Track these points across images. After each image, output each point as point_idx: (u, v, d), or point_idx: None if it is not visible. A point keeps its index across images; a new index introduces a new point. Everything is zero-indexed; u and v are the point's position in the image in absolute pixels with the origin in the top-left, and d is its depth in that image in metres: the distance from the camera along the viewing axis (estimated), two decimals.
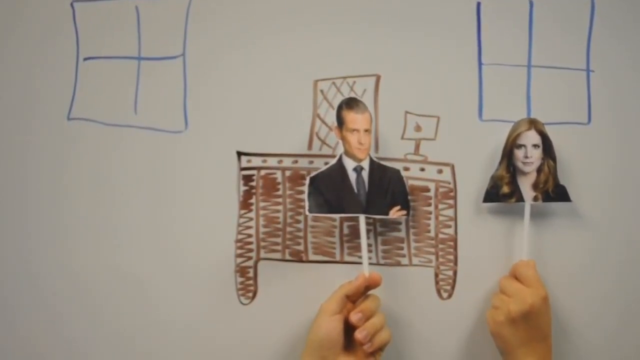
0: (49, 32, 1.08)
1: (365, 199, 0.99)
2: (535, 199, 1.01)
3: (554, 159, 1.01)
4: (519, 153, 1.01)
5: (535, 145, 1.00)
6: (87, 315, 1.05)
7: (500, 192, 1.02)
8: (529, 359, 0.96)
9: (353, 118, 0.99)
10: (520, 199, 1.01)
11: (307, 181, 0.99)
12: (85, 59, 1.07)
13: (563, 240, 1.04)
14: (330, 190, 0.99)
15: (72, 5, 1.08)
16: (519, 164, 1.01)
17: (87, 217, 1.06)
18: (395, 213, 1.00)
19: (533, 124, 1.01)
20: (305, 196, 0.99)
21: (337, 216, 1.03)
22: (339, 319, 0.95)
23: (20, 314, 1.06)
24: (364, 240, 0.99)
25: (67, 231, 1.06)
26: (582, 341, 1.04)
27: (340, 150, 1.00)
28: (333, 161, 1.00)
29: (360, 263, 1.01)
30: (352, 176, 1.00)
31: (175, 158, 1.06)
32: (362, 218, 0.99)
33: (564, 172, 1.03)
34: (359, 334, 0.94)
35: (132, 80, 1.07)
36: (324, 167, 1.00)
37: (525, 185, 1.01)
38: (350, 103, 1.00)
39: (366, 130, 0.99)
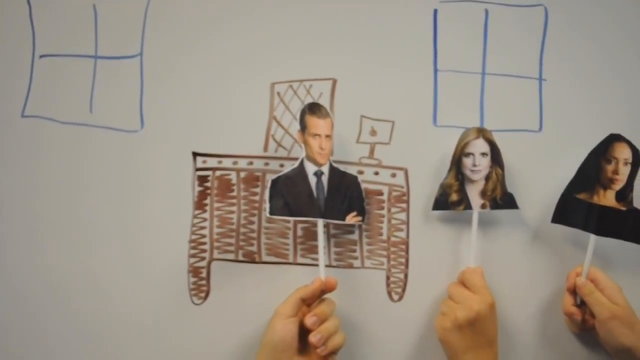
0: (4, 28, 1.10)
1: (324, 203, 1.03)
2: (482, 206, 1.05)
3: (502, 167, 1.05)
4: (467, 161, 1.04)
5: (483, 154, 1.04)
6: (28, 312, 1.08)
7: (449, 200, 1.05)
8: None
9: (315, 123, 1.03)
10: (469, 206, 1.05)
11: (268, 183, 1.02)
12: (41, 57, 1.10)
13: (510, 247, 1.08)
14: (291, 193, 1.03)
15: (28, 2, 1.10)
16: (467, 172, 1.05)
17: (37, 214, 1.08)
18: (351, 219, 1.04)
19: (481, 132, 1.05)
20: (266, 198, 1.02)
21: (296, 219, 1.07)
22: (294, 322, 0.98)
23: None
24: (321, 244, 1.03)
25: (14, 228, 1.08)
26: (527, 347, 1.07)
27: (297, 152, 1.03)
28: (294, 164, 1.03)
29: (313, 265, 1.05)
30: (313, 180, 1.03)
31: (130, 157, 1.09)
32: (320, 222, 1.03)
33: (515, 180, 1.07)
34: (313, 338, 0.97)
35: (88, 78, 1.10)
36: (285, 170, 1.03)
37: (473, 193, 1.05)
38: (313, 108, 1.03)
39: (327, 136, 1.03)
